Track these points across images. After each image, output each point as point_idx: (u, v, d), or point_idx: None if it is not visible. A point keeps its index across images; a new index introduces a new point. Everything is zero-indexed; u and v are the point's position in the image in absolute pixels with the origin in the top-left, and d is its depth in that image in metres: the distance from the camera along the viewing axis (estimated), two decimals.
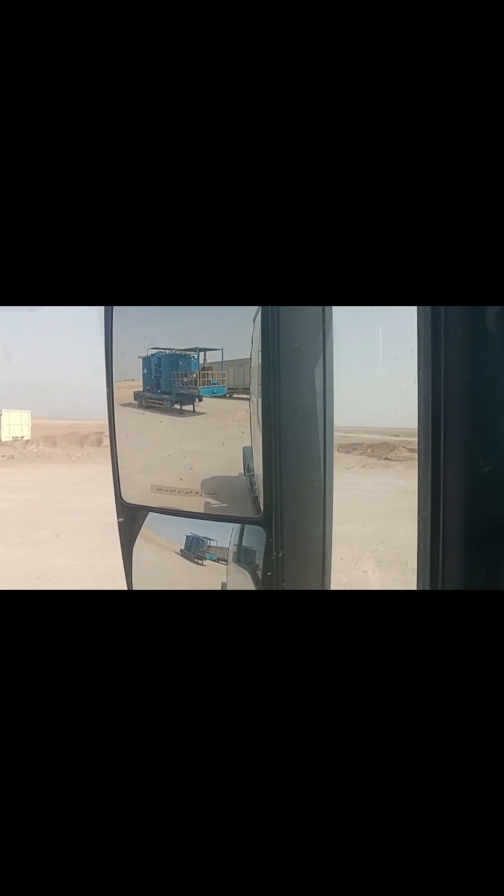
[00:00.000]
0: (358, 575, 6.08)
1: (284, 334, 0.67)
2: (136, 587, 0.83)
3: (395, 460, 16.34)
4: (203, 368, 0.71)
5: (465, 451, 0.62)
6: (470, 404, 0.62)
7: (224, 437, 0.70)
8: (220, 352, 0.70)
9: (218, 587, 0.75)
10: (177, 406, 0.74)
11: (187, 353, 0.73)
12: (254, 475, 0.70)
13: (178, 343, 0.73)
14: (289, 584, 0.70)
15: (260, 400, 0.67)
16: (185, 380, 0.72)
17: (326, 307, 0.72)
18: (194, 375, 0.71)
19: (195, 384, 0.71)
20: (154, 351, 0.75)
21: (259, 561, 0.71)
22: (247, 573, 0.73)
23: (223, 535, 0.75)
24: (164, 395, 0.74)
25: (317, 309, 0.72)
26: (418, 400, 0.65)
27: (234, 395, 0.70)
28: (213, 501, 0.74)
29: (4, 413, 25.51)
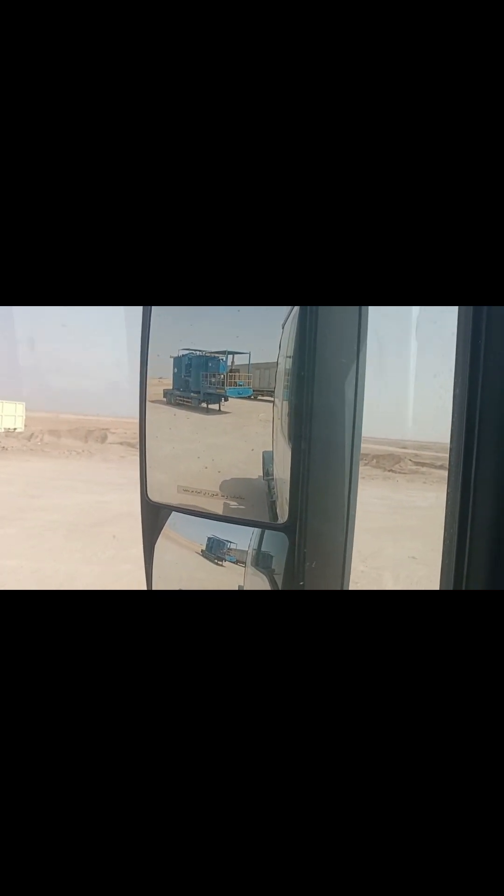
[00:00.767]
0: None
1: (321, 343, 0.68)
2: (155, 585, 0.84)
3: (398, 472, 16.05)
4: (230, 371, 0.74)
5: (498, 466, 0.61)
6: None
7: (246, 434, 0.73)
8: (248, 355, 0.72)
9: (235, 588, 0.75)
10: (204, 404, 0.77)
11: (216, 355, 0.75)
12: (273, 479, 0.70)
13: (207, 346, 0.76)
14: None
15: (284, 404, 0.68)
16: (213, 380, 0.75)
17: (362, 316, 0.72)
18: (222, 376, 0.74)
19: (222, 385, 0.74)
20: (185, 352, 0.78)
21: (276, 566, 0.72)
22: (264, 577, 0.73)
23: (243, 539, 0.75)
24: (193, 394, 0.77)
25: (353, 318, 0.72)
26: (452, 415, 0.64)
27: (259, 398, 0.72)
28: (236, 504, 0.75)
29: None
